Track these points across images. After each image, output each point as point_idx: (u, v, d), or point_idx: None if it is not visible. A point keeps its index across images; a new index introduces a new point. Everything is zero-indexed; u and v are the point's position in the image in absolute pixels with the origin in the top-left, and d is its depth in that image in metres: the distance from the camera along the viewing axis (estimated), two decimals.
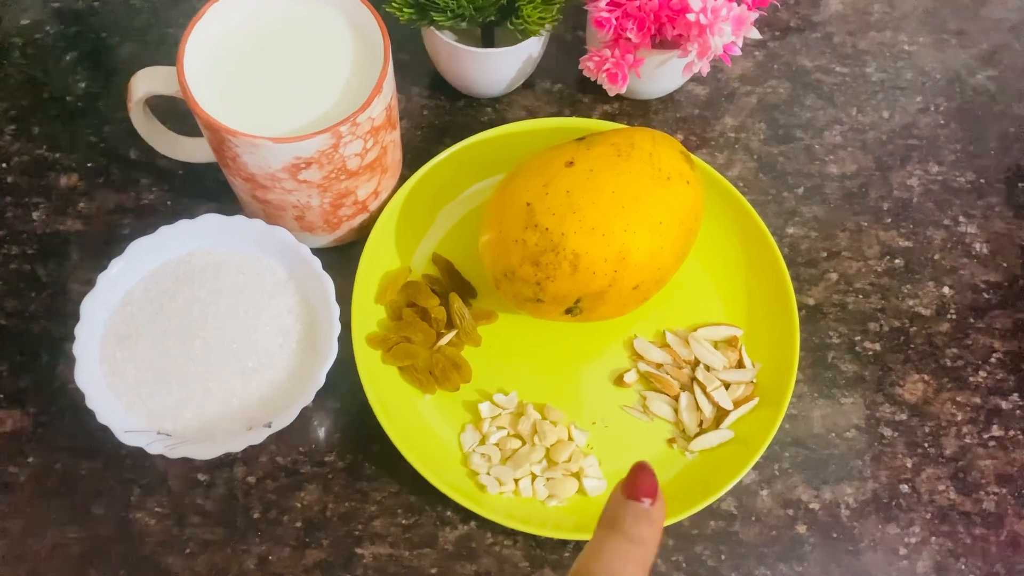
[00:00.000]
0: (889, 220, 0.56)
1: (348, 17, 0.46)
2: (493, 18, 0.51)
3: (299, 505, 0.47)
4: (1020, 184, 0.58)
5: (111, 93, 0.58)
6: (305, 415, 0.44)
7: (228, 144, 0.43)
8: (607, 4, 0.49)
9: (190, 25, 0.44)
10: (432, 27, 0.51)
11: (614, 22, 0.49)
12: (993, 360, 0.52)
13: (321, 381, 0.44)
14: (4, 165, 0.55)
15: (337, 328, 0.45)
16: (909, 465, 0.50)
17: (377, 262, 0.51)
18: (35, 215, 0.54)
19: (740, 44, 0.49)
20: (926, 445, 0.50)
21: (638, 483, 0.28)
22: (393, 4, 0.49)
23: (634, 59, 0.50)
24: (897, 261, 0.55)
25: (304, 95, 0.44)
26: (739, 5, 0.49)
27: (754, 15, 0.49)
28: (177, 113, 0.51)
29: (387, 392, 0.48)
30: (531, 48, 0.53)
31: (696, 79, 0.59)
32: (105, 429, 0.43)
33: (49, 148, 0.56)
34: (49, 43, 0.59)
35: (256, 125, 0.43)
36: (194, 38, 0.44)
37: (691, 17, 0.46)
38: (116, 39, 0.60)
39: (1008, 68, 0.62)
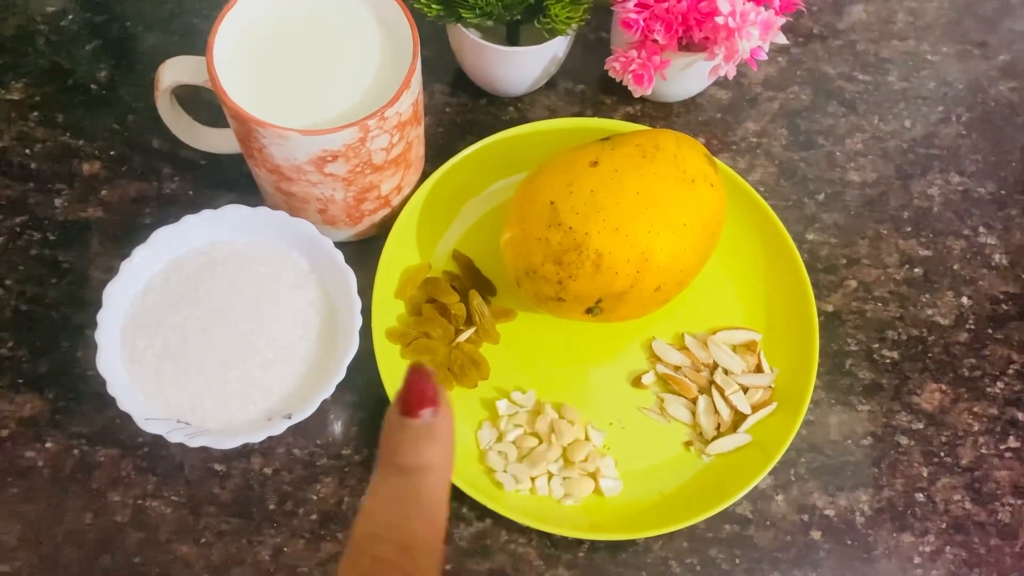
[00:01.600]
0: (909, 229, 0.56)
1: (376, 11, 0.46)
2: (520, 16, 0.51)
3: (315, 497, 0.47)
4: None
5: (135, 82, 0.58)
6: (322, 408, 0.44)
7: (255, 135, 0.43)
8: (635, 5, 0.49)
9: (220, 16, 0.44)
10: (459, 24, 0.51)
11: (642, 23, 0.49)
12: (1011, 371, 0.52)
13: (342, 374, 0.44)
14: (28, 151, 0.55)
15: (358, 321, 0.45)
16: (925, 474, 0.50)
17: (398, 257, 0.51)
18: (57, 202, 0.54)
19: (767, 48, 0.49)
20: (942, 454, 0.50)
21: (411, 392, 0.23)
22: (421, 0, 0.49)
23: (660, 61, 0.50)
24: (916, 270, 0.55)
25: (331, 88, 0.44)
26: (767, 9, 0.49)
27: (781, 20, 0.49)
28: (200, 103, 0.51)
29: None
30: (556, 48, 0.53)
31: (719, 83, 0.59)
32: (122, 416, 0.43)
33: (72, 135, 0.56)
34: (74, 30, 0.59)
35: (283, 117, 0.43)
36: (223, 29, 0.44)
37: (720, 20, 0.46)
38: (141, 28, 0.60)
39: None
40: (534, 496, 0.47)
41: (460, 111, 0.58)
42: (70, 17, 0.60)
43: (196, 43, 0.59)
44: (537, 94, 0.59)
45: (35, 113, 0.56)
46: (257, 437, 0.43)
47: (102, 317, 0.44)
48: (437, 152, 0.56)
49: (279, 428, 0.43)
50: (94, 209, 0.54)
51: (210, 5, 0.61)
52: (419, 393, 0.23)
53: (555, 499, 0.47)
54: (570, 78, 0.59)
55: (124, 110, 0.57)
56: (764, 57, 0.50)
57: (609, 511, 0.47)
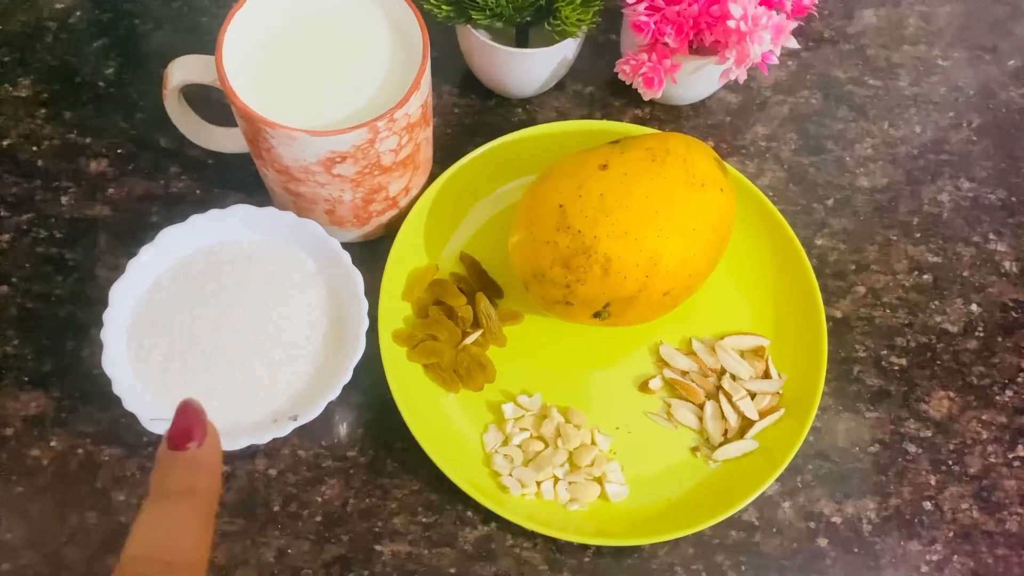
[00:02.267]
0: (919, 235, 0.56)
1: (386, 12, 0.46)
2: (530, 18, 0.51)
3: (319, 499, 0.47)
4: None
5: (143, 80, 0.58)
6: (328, 409, 0.44)
7: (264, 136, 0.43)
8: (646, 8, 0.48)
9: (229, 15, 0.44)
10: (468, 25, 0.51)
11: (652, 26, 0.48)
12: (1020, 379, 0.52)
13: (348, 375, 0.44)
14: (35, 148, 0.55)
15: (365, 323, 0.45)
16: (933, 482, 0.49)
17: (405, 259, 0.51)
18: (64, 199, 0.54)
19: (778, 53, 0.49)
20: (950, 463, 0.50)
21: (176, 428, 0.25)
22: (431, 1, 0.49)
23: (671, 64, 0.50)
24: (925, 277, 0.55)
25: (340, 89, 0.44)
26: (778, 13, 0.48)
27: (793, 24, 0.49)
28: (207, 101, 0.51)
29: (411, 389, 0.48)
30: (566, 50, 0.52)
31: (728, 87, 0.59)
32: (128, 415, 0.43)
33: (80, 133, 0.56)
34: (83, 28, 0.59)
35: (291, 117, 0.42)
36: (232, 28, 0.44)
37: (731, 24, 0.46)
38: (149, 26, 0.60)
39: None
40: (539, 500, 0.46)
41: (469, 112, 0.58)
42: (78, 14, 0.60)
43: (205, 41, 0.59)
44: (546, 96, 0.58)
45: (42, 110, 0.56)
46: (263, 439, 0.43)
47: (108, 316, 0.44)
48: (446, 153, 0.55)
49: (285, 430, 0.43)
50: (101, 207, 0.54)
51: (219, 3, 0.60)
52: (185, 429, 0.25)
53: (561, 504, 0.46)
54: (579, 80, 0.59)
55: (132, 108, 0.57)
56: (775, 61, 0.49)
57: (615, 516, 0.46)
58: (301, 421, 0.43)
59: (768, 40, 0.47)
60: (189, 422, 0.25)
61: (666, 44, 0.49)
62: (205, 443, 0.25)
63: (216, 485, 0.25)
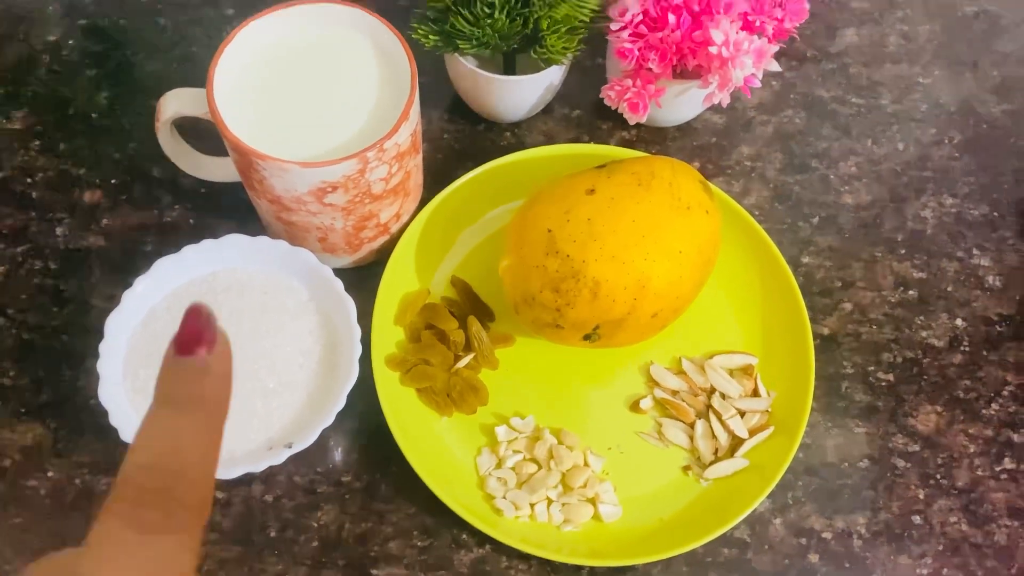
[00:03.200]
0: (903, 251, 0.57)
1: (375, 42, 0.47)
2: (517, 46, 0.51)
3: (316, 524, 0.47)
4: None
5: (136, 110, 0.58)
6: (323, 435, 0.44)
7: (255, 167, 0.43)
8: (630, 35, 0.49)
9: (220, 48, 0.45)
10: (456, 54, 0.51)
11: (636, 53, 0.49)
12: (1005, 393, 0.53)
13: (342, 402, 0.44)
14: (29, 180, 0.56)
15: (358, 350, 0.46)
16: (921, 496, 0.50)
17: (397, 284, 0.51)
18: (59, 230, 0.54)
19: (760, 76, 0.50)
20: (938, 476, 0.51)
21: (185, 332, 0.22)
22: (419, 31, 0.50)
23: (655, 89, 0.51)
24: (911, 292, 0.55)
25: (330, 119, 0.45)
26: (760, 38, 0.49)
27: (774, 48, 0.50)
28: (200, 131, 0.52)
29: (405, 414, 0.48)
30: (552, 76, 0.53)
31: (713, 108, 0.60)
32: (125, 446, 0.43)
33: (74, 164, 0.56)
34: (75, 59, 0.60)
35: (282, 148, 0.43)
36: (223, 61, 0.45)
37: (713, 50, 0.47)
38: (141, 56, 0.60)
39: (1022, 102, 0.62)
40: (533, 522, 0.47)
41: (458, 137, 0.59)
42: (71, 43, 0.61)
43: (197, 71, 0.59)
44: (534, 119, 0.59)
45: (36, 142, 0.57)
46: (258, 467, 0.43)
47: (104, 348, 0.45)
48: (436, 178, 0.56)
49: (280, 458, 0.43)
50: (95, 238, 0.54)
51: (210, 33, 0.61)
52: (194, 333, 0.23)
53: (554, 525, 0.47)
54: (567, 103, 0.60)
55: (125, 139, 0.57)
56: (758, 85, 0.50)
57: (608, 537, 0.47)
58: (296, 449, 0.43)
59: (750, 64, 0.48)
60: (199, 326, 0.23)
61: (650, 70, 0.50)
62: (215, 350, 0.23)
63: (226, 397, 0.23)
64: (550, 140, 0.59)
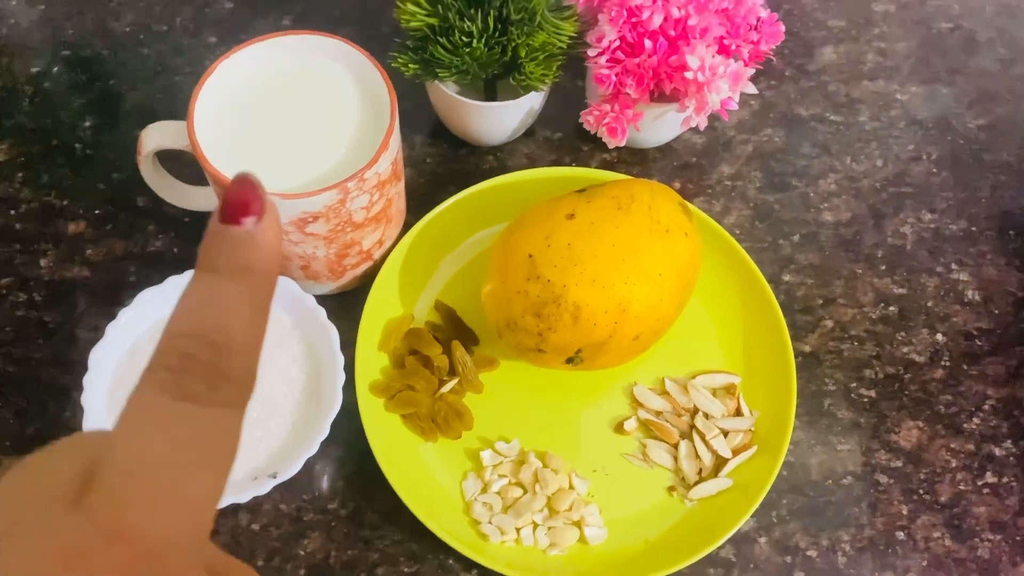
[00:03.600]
0: (883, 267, 0.57)
1: (354, 73, 0.47)
2: (496, 72, 0.52)
3: (302, 552, 0.48)
4: (1011, 231, 0.59)
5: (119, 140, 0.59)
6: (309, 463, 0.45)
7: None
8: (607, 61, 0.50)
9: (200, 82, 0.45)
10: (436, 81, 0.52)
11: (614, 78, 0.50)
12: (986, 407, 0.53)
13: (326, 431, 0.45)
14: (12, 212, 0.56)
15: (341, 378, 0.46)
16: (905, 512, 0.50)
17: (381, 310, 0.52)
18: (43, 262, 0.55)
19: (737, 99, 0.51)
20: (921, 492, 0.51)
21: (230, 200, 0.21)
22: (399, 59, 0.50)
23: (633, 113, 0.51)
24: (891, 308, 0.56)
25: (311, 149, 0.45)
26: (736, 61, 0.50)
27: (750, 71, 0.50)
28: (183, 160, 0.52)
29: (390, 440, 0.48)
30: (532, 101, 0.54)
31: (693, 128, 0.60)
32: None
33: (57, 195, 0.57)
34: (59, 91, 0.60)
35: (264, 179, 0.43)
36: (203, 94, 0.45)
37: (689, 75, 0.47)
38: (125, 87, 0.61)
39: (998, 117, 0.63)
40: (519, 547, 0.47)
41: (441, 161, 0.59)
42: (55, 77, 0.61)
43: (179, 100, 0.60)
44: (516, 143, 0.60)
45: (20, 174, 0.57)
46: (243, 497, 0.43)
47: (88, 380, 0.45)
48: (419, 202, 0.56)
49: (265, 488, 0.43)
50: (80, 269, 0.54)
51: (193, 63, 0.62)
52: (242, 203, 0.21)
53: (540, 549, 0.47)
54: (548, 126, 0.60)
55: (108, 169, 0.58)
56: (735, 107, 0.51)
57: (594, 560, 0.47)
58: (281, 479, 0.44)
59: (726, 88, 0.48)
60: (247, 195, 0.21)
61: (628, 94, 0.51)
62: (263, 221, 0.21)
63: (274, 271, 0.21)
64: (532, 163, 0.59)
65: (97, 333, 0.46)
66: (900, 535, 0.50)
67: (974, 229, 0.59)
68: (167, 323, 0.20)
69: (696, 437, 0.50)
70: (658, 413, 0.51)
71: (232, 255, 0.20)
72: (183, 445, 0.18)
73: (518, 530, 0.47)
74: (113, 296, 0.53)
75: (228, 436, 0.20)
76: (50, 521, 0.17)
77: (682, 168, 0.60)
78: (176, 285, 0.47)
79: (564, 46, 0.50)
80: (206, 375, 0.19)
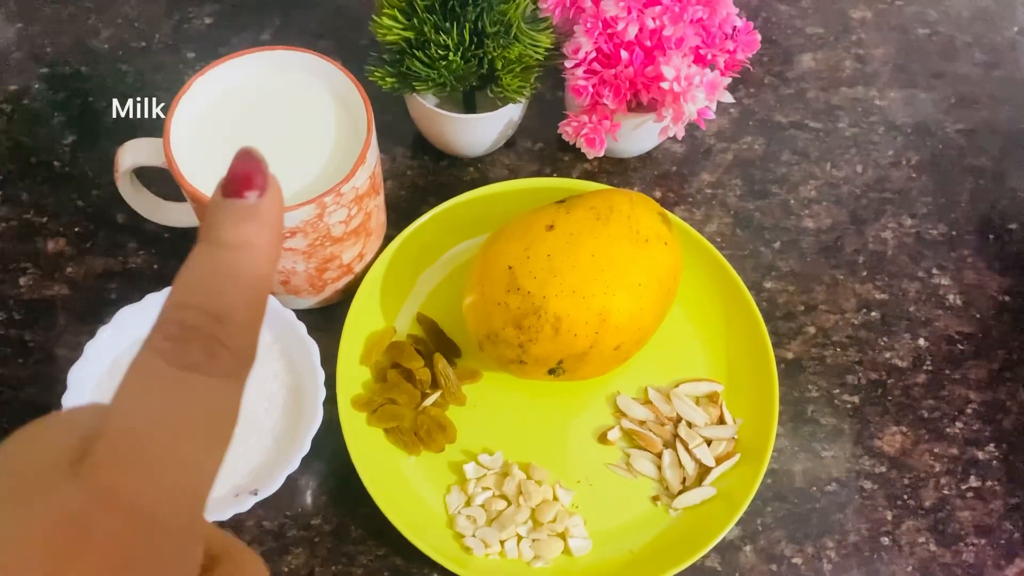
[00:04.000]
0: (865, 273, 0.57)
1: (331, 87, 0.47)
2: (474, 84, 0.52)
3: (286, 569, 0.47)
4: (991, 236, 0.59)
5: (98, 157, 0.58)
6: (291, 478, 0.44)
7: None
8: (584, 72, 0.50)
9: (175, 100, 0.45)
10: (414, 94, 0.52)
11: (591, 89, 0.50)
12: (969, 411, 0.53)
13: (306, 447, 0.44)
14: None
15: (322, 393, 0.46)
16: (889, 517, 0.50)
17: (362, 323, 0.51)
18: (22, 280, 0.54)
19: (714, 108, 0.51)
20: (905, 497, 0.51)
21: (235, 174, 0.21)
22: (375, 73, 0.50)
23: (611, 124, 0.52)
24: (873, 314, 0.56)
25: (289, 165, 0.45)
26: (712, 71, 0.50)
27: (727, 80, 0.51)
28: (162, 176, 0.52)
29: (372, 454, 0.48)
30: (511, 112, 0.54)
31: (672, 137, 0.61)
32: None
33: (36, 213, 0.56)
34: (37, 108, 0.60)
35: None
36: (179, 111, 0.45)
37: (665, 85, 0.48)
38: (103, 104, 0.61)
39: (977, 121, 0.63)
40: (504, 560, 0.47)
41: (422, 173, 0.59)
42: (34, 88, 0.61)
43: (158, 117, 0.60)
44: (497, 154, 0.60)
45: None
46: (224, 515, 0.43)
47: (67, 400, 0.45)
48: (401, 215, 0.56)
49: (246, 505, 0.43)
50: (60, 287, 0.54)
51: (172, 79, 0.62)
52: (245, 176, 0.21)
53: (525, 562, 0.47)
54: (528, 137, 0.60)
55: (88, 186, 0.57)
56: (712, 116, 0.51)
57: (578, 571, 0.47)
58: (262, 496, 0.43)
59: (703, 98, 0.49)
60: (249, 169, 0.21)
61: (605, 105, 0.51)
62: (266, 195, 0.21)
63: (276, 246, 0.22)
64: (513, 174, 0.59)
65: (77, 352, 0.46)
66: (885, 541, 0.50)
67: (955, 233, 0.59)
68: (169, 293, 0.20)
69: (679, 446, 0.50)
70: (641, 423, 0.51)
71: (234, 228, 0.21)
72: (181, 412, 0.19)
73: (502, 543, 0.47)
74: (94, 314, 0.52)
75: (227, 405, 0.20)
76: (47, 488, 0.18)
77: (663, 177, 0.60)
78: (155, 303, 0.47)
79: (541, 58, 0.51)
80: (206, 345, 0.19)
